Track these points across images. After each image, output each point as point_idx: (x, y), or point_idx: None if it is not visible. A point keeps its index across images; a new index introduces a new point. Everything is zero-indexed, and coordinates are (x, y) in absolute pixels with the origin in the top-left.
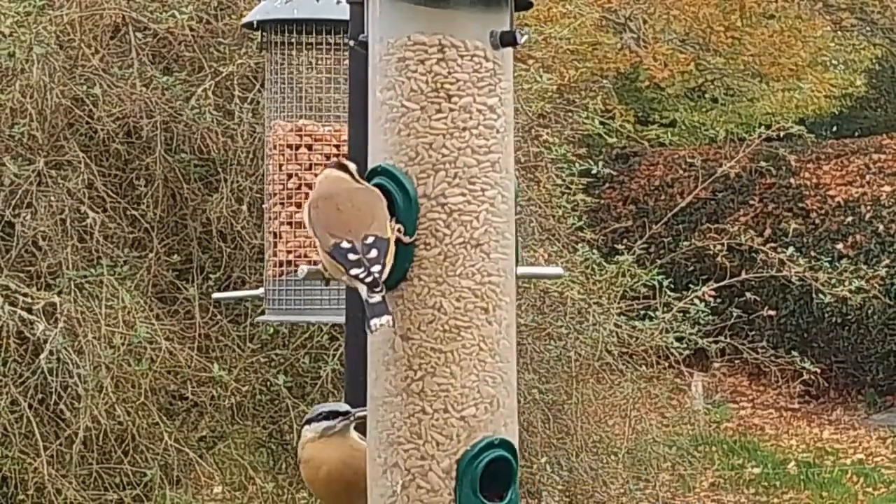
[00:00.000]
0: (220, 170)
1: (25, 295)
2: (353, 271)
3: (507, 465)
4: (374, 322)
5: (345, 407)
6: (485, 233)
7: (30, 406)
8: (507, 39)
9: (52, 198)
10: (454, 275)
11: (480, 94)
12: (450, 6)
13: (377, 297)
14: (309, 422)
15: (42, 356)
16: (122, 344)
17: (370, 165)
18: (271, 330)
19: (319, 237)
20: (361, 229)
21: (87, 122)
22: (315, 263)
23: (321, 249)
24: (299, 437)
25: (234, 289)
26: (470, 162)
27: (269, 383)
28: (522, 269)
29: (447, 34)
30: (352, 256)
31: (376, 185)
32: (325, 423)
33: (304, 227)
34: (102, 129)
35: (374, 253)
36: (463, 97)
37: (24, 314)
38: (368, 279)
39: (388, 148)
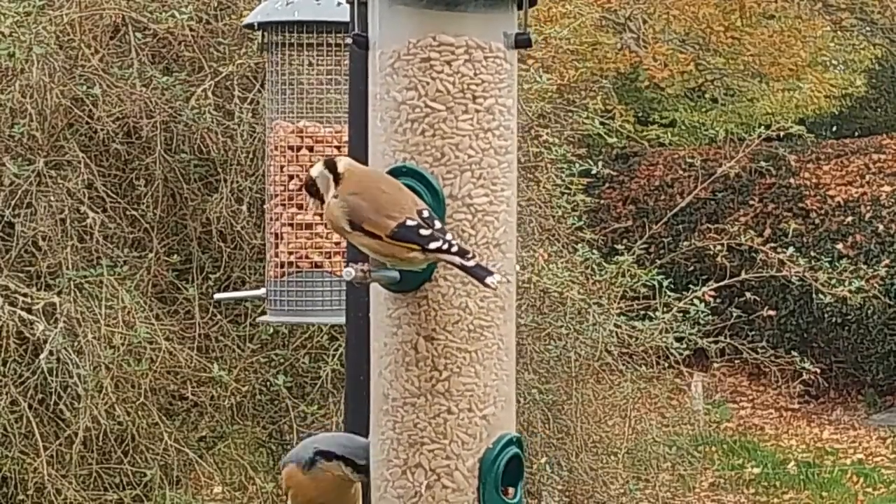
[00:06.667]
0: (220, 170)
1: (25, 295)
2: (432, 245)
3: (518, 462)
4: (490, 280)
5: (336, 447)
6: (504, 233)
7: (30, 406)
8: (522, 41)
9: (52, 198)
10: None
11: (501, 94)
12: (464, 9)
13: (473, 261)
14: (300, 462)
15: (42, 356)
16: (122, 344)
17: (381, 165)
18: (271, 330)
19: (375, 223)
20: (413, 206)
21: (87, 122)
22: (317, 265)
23: (374, 238)
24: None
25: (234, 289)
26: (492, 163)
27: (269, 383)
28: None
29: (472, 36)
30: (423, 231)
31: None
32: (318, 465)
33: (310, 227)
34: (102, 129)
35: (438, 224)
36: (487, 98)
37: (24, 314)
38: (454, 248)
39: (408, 148)
